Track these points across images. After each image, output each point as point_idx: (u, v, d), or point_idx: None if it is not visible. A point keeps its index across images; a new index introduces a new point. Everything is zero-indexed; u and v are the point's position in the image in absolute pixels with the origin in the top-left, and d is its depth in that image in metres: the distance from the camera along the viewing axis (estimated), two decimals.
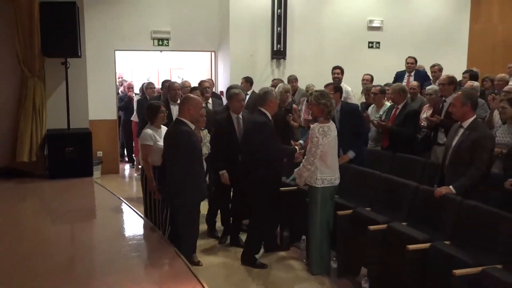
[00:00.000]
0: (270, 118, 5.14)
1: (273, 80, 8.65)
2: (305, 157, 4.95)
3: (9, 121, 7.24)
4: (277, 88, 6.51)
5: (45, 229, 5.30)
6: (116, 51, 9.47)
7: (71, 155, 7.05)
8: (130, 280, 3.76)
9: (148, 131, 5.02)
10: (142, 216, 5.37)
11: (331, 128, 4.95)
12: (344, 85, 8.43)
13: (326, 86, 6.14)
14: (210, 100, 7.08)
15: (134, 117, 9.29)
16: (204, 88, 6.89)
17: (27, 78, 7.09)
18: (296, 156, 5.24)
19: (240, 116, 5.58)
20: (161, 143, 4.87)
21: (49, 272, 4.02)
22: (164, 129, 5.05)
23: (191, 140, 4.49)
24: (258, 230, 5.27)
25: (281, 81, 8.14)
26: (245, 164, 5.29)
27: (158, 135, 5.04)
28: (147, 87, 8.76)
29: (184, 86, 7.31)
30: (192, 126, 4.56)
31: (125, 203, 5.90)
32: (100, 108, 8.90)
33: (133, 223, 5.37)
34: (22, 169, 7.13)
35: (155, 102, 5.52)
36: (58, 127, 7.33)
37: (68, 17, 6.94)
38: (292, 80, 8.33)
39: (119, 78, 11.74)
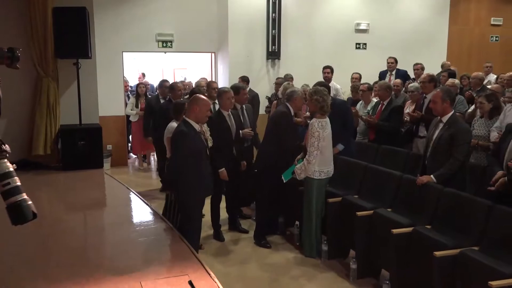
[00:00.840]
0: (293, 113, 5.40)
1: (276, 79, 8.73)
2: (308, 151, 4.92)
3: (25, 117, 7.23)
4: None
5: (60, 215, 5.31)
6: (123, 53, 9.46)
7: (82, 148, 7.03)
8: (137, 262, 3.77)
9: (173, 124, 5.01)
10: (149, 204, 5.38)
11: (328, 123, 4.96)
12: (334, 83, 8.44)
13: (315, 85, 6.17)
14: (217, 100, 6.77)
15: (133, 117, 9.11)
16: (213, 88, 6.53)
17: (41, 78, 7.07)
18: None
19: (230, 112, 5.56)
20: None
21: (65, 252, 4.06)
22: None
23: (185, 142, 4.16)
24: (264, 211, 5.46)
25: (285, 79, 8.16)
26: (261, 148, 5.65)
27: None
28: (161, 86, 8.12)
29: (200, 85, 7.10)
30: (197, 126, 4.31)
31: (133, 192, 5.90)
32: (109, 105, 8.90)
33: (140, 211, 5.37)
34: (38, 162, 7.13)
35: (181, 101, 5.63)
36: (71, 122, 7.32)
37: (79, 21, 6.91)
38: (288, 78, 8.30)
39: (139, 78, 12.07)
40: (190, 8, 9.64)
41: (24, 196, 2.24)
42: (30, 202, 2.26)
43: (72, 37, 6.86)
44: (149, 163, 9.72)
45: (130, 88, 10.71)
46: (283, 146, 5.20)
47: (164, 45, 9.67)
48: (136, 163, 9.79)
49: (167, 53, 10.40)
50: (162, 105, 6.97)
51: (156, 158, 8.92)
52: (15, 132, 7.13)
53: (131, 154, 10.24)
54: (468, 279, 3.41)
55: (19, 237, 4.14)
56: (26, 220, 2.23)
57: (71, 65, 7.12)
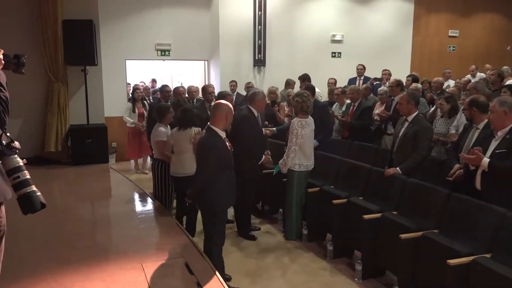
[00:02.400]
0: (257, 114, 5.02)
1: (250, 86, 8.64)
2: (287, 147, 4.93)
3: (38, 118, 7.14)
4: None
5: (70, 205, 5.25)
6: (126, 60, 9.39)
7: (90, 145, 6.97)
8: (139, 246, 3.73)
9: (162, 129, 4.86)
10: (149, 195, 5.34)
11: (309, 122, 4.94)
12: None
13: (300, 86, 6.24)
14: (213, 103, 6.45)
15: (126, 121, 7.99)
16: (210, 93, 6.24)
17: (52, 83, 6.98)
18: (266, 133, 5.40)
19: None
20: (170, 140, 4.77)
21: (76, 236, 4.04)
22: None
23: (215, 153, 3.54)
24: (245, 210, 5.19)
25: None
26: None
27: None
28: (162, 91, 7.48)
29: (208, 91, 6.32)
30: (223, 134, 3.66)
31: (135, 184, 5.86)
32: (114, 106, 8.82)
33: (142, 201, 5.34)
34: (50, 158, 7.05)
35: (164, 104, 5.43)
36: (79, 122, 7.25)
37: (86, 32, 6.84)
38: (274, 90, 7.95)
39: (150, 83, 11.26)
40: (185, 21, 9.61)
41: (33, 188, 2.21)
42: (39, 193, 2.22)
43: (80, 47, 6.80)
44: (144, 167, 8.47)
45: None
46: (245, 148, 4.74)
47: (163, 53, 9.60)
48: (133, 167, 8.45)
49: (165, 60, 10.33)
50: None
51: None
52: (29, 131, 7.06)
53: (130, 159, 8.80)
54: (429, 258, 3.43)
55: (34, 224, 4.11)
56: (35, 210, 2.19)
57: (79, 71, 7.05)
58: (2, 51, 2.15)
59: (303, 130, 4.85)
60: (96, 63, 7.08)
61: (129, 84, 10.04)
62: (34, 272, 3.17)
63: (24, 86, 6.85)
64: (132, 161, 8.43)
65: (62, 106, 7.03)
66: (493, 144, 3.49)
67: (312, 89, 5.83)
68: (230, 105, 3.71)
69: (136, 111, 7.84)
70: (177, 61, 11.04)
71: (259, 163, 4.94)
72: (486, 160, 3.42)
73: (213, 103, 6.24)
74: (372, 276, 4.14)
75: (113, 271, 3.18)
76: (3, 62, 2.17)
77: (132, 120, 7.72)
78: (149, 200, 5.17)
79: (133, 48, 9.28)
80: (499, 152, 3.39)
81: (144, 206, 5.16)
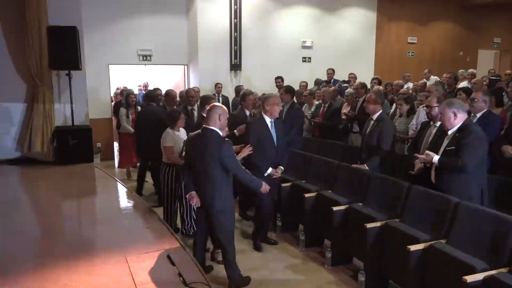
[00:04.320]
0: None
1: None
2: None
3: (25, 120, 6.92)
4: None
5: (57, 202, 5.12)
6: (109, 65, 9.24)
7: (75, 146, 6.80)
8: (123, 240, 3.68)
9: (170, 133, 4.56)
10: (133, 192, 5.26)
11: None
12: None
13: (282, 88, 6.20)
14: (195, 107, 6.28)
15: (123, 129, 7.33)
16: (191, 96, 6.14)
17: (38, 87, 6.77)
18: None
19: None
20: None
21: (62, 232, 3.97)
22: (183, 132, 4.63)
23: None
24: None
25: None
26: None
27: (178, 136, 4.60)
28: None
29: (189, 95, 6.22)
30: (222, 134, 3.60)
31: (119, 182, 5.76)
32: (98, 109, 8.71)
33: (126, 198, 5.25)
34: (37, 158, 6.86)
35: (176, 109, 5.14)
36: (65, 124, 7.08)
37: (70, 38, 6.66)
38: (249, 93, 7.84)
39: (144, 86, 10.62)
40: (166, 28, 9.53)
41: None
42: None
43: (65, 52, 6.61)
44: (130, 175, 7.83)
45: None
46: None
47: (144, 59, 9.50)
48: (125, 175, 7.87)
49: (147, 65, 10.20)
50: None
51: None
52: (16, 133, 6.88)
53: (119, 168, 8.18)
54: (392, 245, 3.50)
55: (23, 222, 4.01)
56: None
57: (64, 76, 6.88)
58: None
59: None
60: (80, 67, 6.91)
61: (125, 87, 9.55)
62: (20, 267, 3.09)
63: (10, 90, 6.69)
64: (118, 169, 7.90)
65: (48, 108, 6.84)
66: (445, 142, 3.59)
67: (292, 92, 5.88)
68: (223, 107, 3.57)
69: (130, 116, 7.26)
70: (158, 65, 10.92)
71: (266, 174, 4.31)
72: (436, 157, 3.52)
73: (195, 107, 6.26)
74: (341, 263, 4.20)
75: (98, 264, 3.12)
76: None
77: (133, 130, 7.01)
78: (133, 197, 5.09)
79: (116, 54, 9.14)
80: (449, 149, 3.50)
81: (129, 203, 5.07)
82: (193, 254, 3.66)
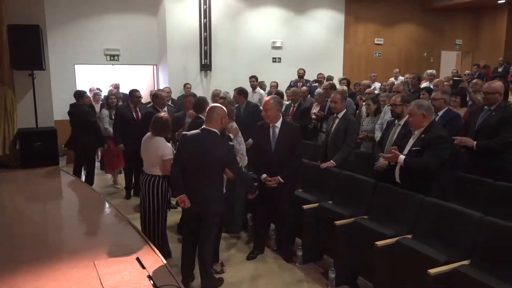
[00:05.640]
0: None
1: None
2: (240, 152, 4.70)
3: None
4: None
5: (21, 206, 4.94)
6: (75, 65, 9.01)
7: (39, 148, 6.60)
8: (91, 244, 3.60)
9: (169, 145, 4.17)
10: (100, 193, 5.15)
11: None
12: (259, 89, 8.50)
13: (235, 89, 6.25)
14: (166, 108, 6.15)
15: (107, 132, 6.91)
16: (162, 98, 6.02)
17: None
18: None
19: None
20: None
21: (27, 237, 3.79)
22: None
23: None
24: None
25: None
26: None
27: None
28: (131, 95, 6.55)
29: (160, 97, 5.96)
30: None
31: (85, 184, 5.63)
32: (64, 110, 8.42)
33: (92, 200, 5.12)
34: None
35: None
36: (28, 126, 6.84)
37: (33, 37, 6.44)
38: (218, 93, 7.76)
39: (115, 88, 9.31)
40: (133, 27, 9.38)
41: None
42: None
43: (27, 51, 6.39)
44: (116, 182, 7.41)
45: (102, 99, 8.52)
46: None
47: (112, 58, 9.31)
48: (111, 181, 7.48)
49: (114, 65, 10.00)
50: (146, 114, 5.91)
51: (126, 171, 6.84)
52: None
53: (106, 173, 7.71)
54: (360, 241, 3.59)
55: None
56: None
57: (26, 76, 6.64)
58: None
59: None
60: (44, 67, 6.70)
61: (98, 89, 9.17)
62: None
63: None
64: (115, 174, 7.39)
65: (9, 110, 6.58)
66: (411, 142, 3.70)
67: (245, 93, 5.90)
68: (224, 108, 3.55)
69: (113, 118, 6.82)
70: (126, 65, 10.73)
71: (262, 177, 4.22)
72: (402, 157, 3.61)
73: (166, 108, 6.10)
74: (312, 261, 4.26)
75: (65, 269, 3.04)
76: None
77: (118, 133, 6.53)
78: (101, 200, 4.98)
79: (81, 53, 8.93)
80: (415, 149, 3.61)
81: (97, 206, 4.96)
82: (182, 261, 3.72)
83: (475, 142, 4.03)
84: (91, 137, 6.84)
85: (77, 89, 7.27)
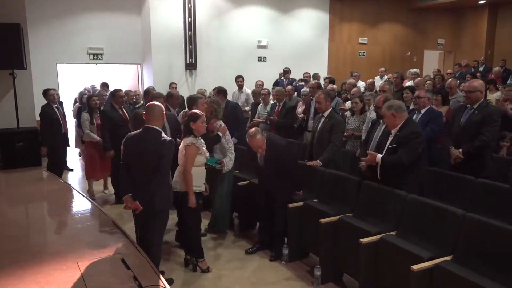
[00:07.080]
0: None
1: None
2: (227, 151, 4.76)
3: None
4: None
5: (2, 208, 4.84)
6: (57, 64, 8.86)
7: (21, 149, 6.48)
8: (75, 245, 3.55)
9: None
10: (84, 194, 5.08)
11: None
12: (246, 89, 8.50)
13: (214, 89, 6.22)
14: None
15: (87, 136, 6.19)
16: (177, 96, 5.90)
17: None
18: None
19: None
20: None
21: (8, 239, 3.69)
22: None
23: None
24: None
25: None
26: None
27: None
28: (113, 95, 6.08)
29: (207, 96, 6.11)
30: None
31: (69, 185, 5.54)
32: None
33: (76, 201, 5.05)
34: None
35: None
36: (9, 126, 6.71)
37: (13, 35, 6.33)
38: (203, 92, 7.60)
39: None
40: (117, 25, 9.28)
41: None
42: None
43: (7, 50, 6.28)
44: (106, 187, 6.83)
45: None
46: None
47: (95, 57, 9.20)
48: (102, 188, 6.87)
49: (97, 64, 9.88)
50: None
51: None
52: None
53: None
54: (346, 239, 3.62)
55: None
56: None
57: (7, 75, 6.52)
58: None
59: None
60: (25, 66, 6.58)
61: (93, 86, 8.83)
62: None
63: None
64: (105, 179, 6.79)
65: None
66: (389, 140, 3.80)
67: (224, 92, 5.97)
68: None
69: (95, 121, 6.17)
70: (110, 65, 10.62)
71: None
72: (379, 156, 3.73)
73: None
74: (298, 259, 4.28)
75: (48, 272, 2.98)
76: None
77: (99, 138, 6.06)
78: (85, 200, 4.91)
79: (64, 52, 8.80)
80: (391, 147, 3.71)
81: (80, 207, 4.89)
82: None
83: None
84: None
85: (55, 88, 7.07)
